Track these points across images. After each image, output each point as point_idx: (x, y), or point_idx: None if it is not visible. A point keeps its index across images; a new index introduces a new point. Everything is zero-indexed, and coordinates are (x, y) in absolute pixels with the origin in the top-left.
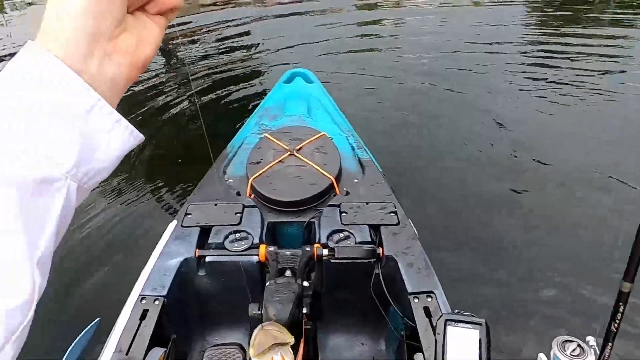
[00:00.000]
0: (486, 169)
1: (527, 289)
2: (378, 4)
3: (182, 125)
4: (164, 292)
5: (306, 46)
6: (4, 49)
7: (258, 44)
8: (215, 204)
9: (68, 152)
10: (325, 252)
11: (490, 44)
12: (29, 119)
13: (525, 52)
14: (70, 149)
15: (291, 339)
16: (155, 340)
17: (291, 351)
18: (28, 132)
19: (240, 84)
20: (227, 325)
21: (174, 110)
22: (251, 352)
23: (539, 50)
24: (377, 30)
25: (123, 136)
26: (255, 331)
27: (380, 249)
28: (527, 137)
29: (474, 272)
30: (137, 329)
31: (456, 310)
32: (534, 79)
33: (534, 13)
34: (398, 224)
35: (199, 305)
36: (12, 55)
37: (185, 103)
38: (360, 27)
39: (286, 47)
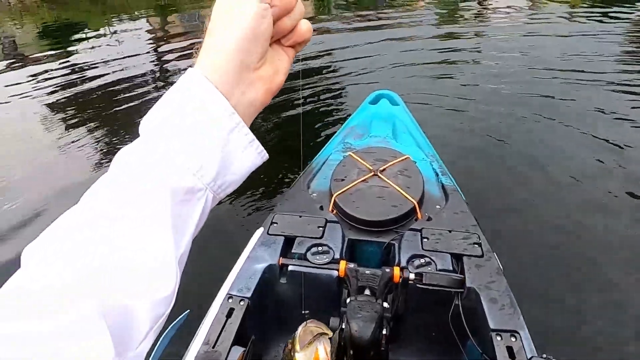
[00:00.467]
0: (590, 208)
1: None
2: (459, 25)
3: (277, 136)
4: (249, 294)
5: (388, 68)
6: (114, 60)
7: (340, 65)
8: (300, 216)
9: (210, 167)
10: (412, 276)
11: (583, 62)
12: (185, 136)
13: (626, 73)
14: (213, 164)
15: (330, 332)
16: (237, 339)
17: (329, 342)
18: (183, 147)
19: (326, 102)
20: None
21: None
22: (297, 347)
23: None
24: (459, 52)
25: (254, 155)
26: (299, 329)
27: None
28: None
29: (567, 316)
30: (224, 326)
31: (544, 355)
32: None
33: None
34: (482, 256)
35: (277, 310)
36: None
37: (283, 117)
38: (441, 50)
39: (369, 69)
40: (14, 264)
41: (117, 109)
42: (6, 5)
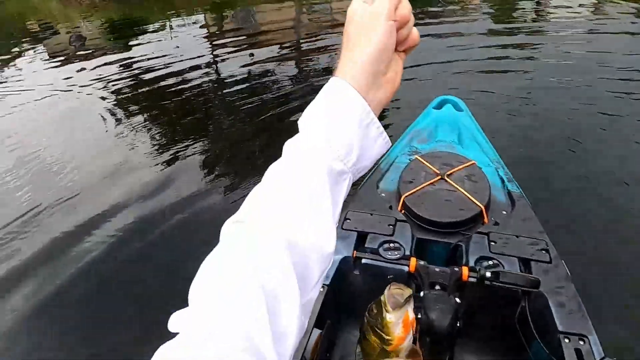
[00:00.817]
0: None
1: None
2: (516, 26)
3: None
4: (328, 282)
5: (444, 69)
6: (175, 58)
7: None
8: (371, 214)
9: (353, 154)
10: (488, 274)
11: None
12: (337, 129)
13: None
14: (355, 151)
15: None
16: (316, 322)
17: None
18: (336, 138)
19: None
20: None
21: None
22: (388, 307)
23: None
24: (517, 52)
25: (382, 144)
26: (385, 292)
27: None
28: None
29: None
30: None
31: (615, 359)
32: None
33: None
34: (550, 262)
35: (349, 299)
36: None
37: None
38: (498, 49)
39: (425, 71)
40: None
41: (171, 100)
42: (78, 2)
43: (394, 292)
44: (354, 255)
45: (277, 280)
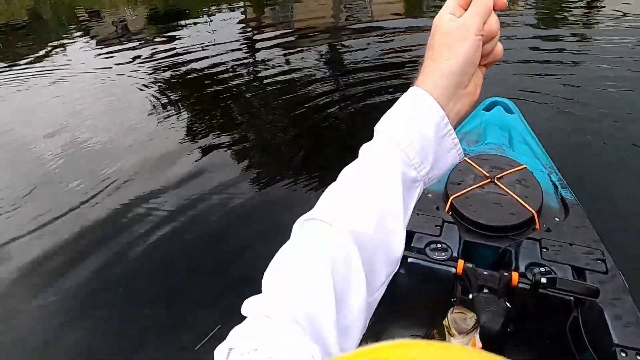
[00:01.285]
0: None
1: None
2: (567, 20)
3: None
4: None
5: (499, 73)
6: (214, 50)
7: None
8: (418, 213)
9: (427, 163)
10: (544, 280)
11: None
12: (414, 137)
13: None
14: (429, 161)
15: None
16: None
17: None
18: (412, 146)
19: None
20: (412, 320)
21: None
22: (453, 331)
23: None
24: (564, 53)
25: (455, 155)
26: (455, 315)
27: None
28: None
29: None
30: None
31: None
32: None
33: None
34: (606, 272)
35: (394, 298)
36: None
37: None
38: (544, 51)
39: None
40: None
41: (206, 92)
42: None
43: (457, 317)
44: None
45: (347, 276)
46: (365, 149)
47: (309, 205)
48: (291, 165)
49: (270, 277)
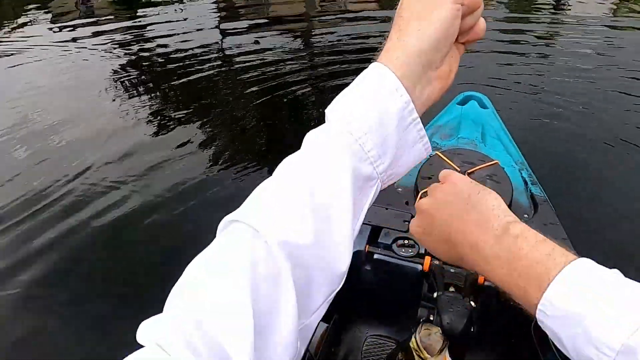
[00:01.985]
0: None
1: None
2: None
3: None
4: None
5: (472, 67)
6: (183, 31)
7: None
8: (386, 208)
9: (386, 158)
10: None
11: None
12: (370, 126)
13: None
14: (389, 155)
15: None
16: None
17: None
18: (368, 136)
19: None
20: (380, 319)
21: None
22: (425, 354)
23: None
24: (541, 47)
25: (421, 150)
26: (421, 333)
27: None
28: None
29: None
30: None
31: None
32: None
33: None
34: None
35: (359, 294)
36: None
37: None
38: (512, 45)
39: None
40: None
41: (172, 74)
42: None
43: (422, 336)
44: (367, 249)
45: (273, 298)
46: (310, 137)
47: None
48: (256, 150)
49: (175, 292)
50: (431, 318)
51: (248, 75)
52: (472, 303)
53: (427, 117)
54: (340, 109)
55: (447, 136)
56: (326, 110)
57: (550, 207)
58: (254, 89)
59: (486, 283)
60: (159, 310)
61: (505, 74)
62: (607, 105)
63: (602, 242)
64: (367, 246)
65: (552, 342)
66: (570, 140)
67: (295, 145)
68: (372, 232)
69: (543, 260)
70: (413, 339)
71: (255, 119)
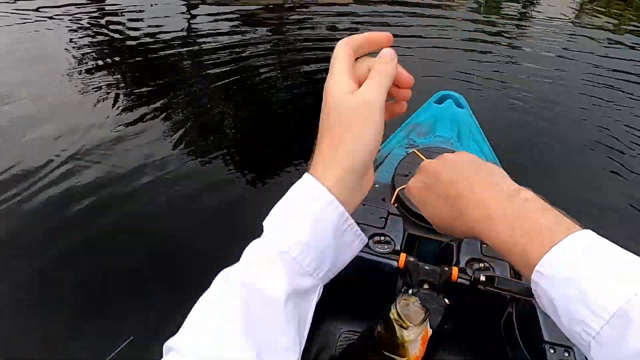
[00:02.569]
0: None
1: None
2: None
3: None
4: None
5: (446, 66)
6: (145, 11)
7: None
8: (364, 205)
9: (326, 265)
10: (482, 277)
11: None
12: (308, 239)
13: None
14: (327, 262)
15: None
16: None
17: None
18: (307, 251)
19: None
20: (355, 315)
21: None
22: (406, 322)
23: None
24: (498, 49)
25: (358, 246)
26: (400, 304)
27: None
28: None
29: None
30: None
31: None
32: None
33: None
34: None
35: (333, 289)
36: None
37: None
38: (479, 44)
39: (426, 65)
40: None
41: (135, 51)
42: None
43: (401, 307)
44: None
45: None
46: (249, 250)
47: (234, 186)
48: (222, 140)
49: None
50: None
51: (215, 57)
52: (446, 300)
53: (404, 114)
54: (277, 223)
55: (424, 134)
56: (264, 223)
57: None
58: (219, 70)
59: (459, 280)
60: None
61: (479, 73)
62: (575, 104)
63: None
64: None
65: (520, 339)
66: (542, 140)
67: (256, 125)
68: None
69: (549, 225)
70: (393, 309)
71: (218, 98)
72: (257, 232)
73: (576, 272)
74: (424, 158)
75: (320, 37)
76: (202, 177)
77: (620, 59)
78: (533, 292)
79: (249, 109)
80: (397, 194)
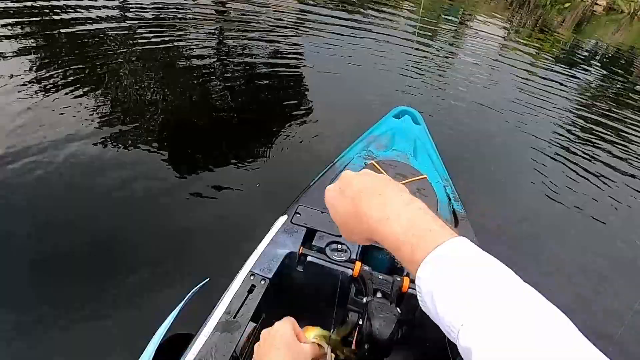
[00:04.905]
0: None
1: None
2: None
3: (302, 133)
4: (270, 275)
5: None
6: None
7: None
8: (322, 212)
9: None
10: None
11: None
12: None
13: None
14: None
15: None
16: (252, 315)
17: None
18: None
19: (345, 107)
20: (310, 320)
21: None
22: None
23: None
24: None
25: None
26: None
27: None
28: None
29: None
30: (244, 300)
31: None
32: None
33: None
34: None
35: (290, 295)
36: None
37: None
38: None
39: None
40: None
41: (59, 23)
42: None
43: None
44: (300, 251)
45: None
46: None
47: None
48: (146, 113)
49: None
50: (360, 322)
51: (152, 39)
52: (398, 309)
53: (363, 125)
54: None
55: (383, 147)
56: None
57: (469, 224)
58: (157, 54)
59: (409, 291)
60: None
61: (437, 91)
62: (525, 118)
63: (510, 260)
64: (301, 248)
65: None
66: (492, 156)
67: (187, 108)
68: (307, 234)
69: (436, 229)
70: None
71: (148, 81)
72: (185, 216)
73: (446, 274)
74: (381, 170)
75: (265, 29)
76: (127, 161)
77: (542, 77)
78: (416, 286)
79: (178, 90)
80: None
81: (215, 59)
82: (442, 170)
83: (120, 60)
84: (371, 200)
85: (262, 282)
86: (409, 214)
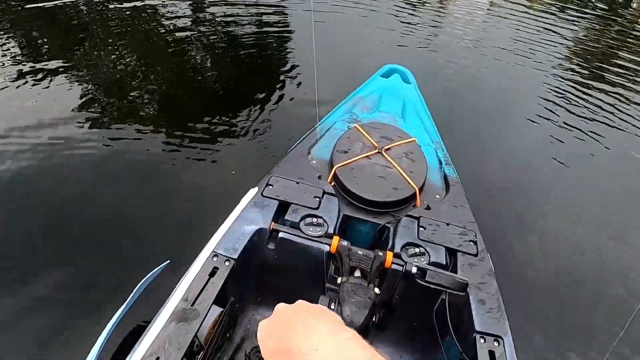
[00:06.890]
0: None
1: None
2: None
3: (284, 94)
4: (235, 255)
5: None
6: None
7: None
8: (297, 182)
9: None
10: (414, 269)
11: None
12: None
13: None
14: None
15: None
16: (216, 299)
17: None
18: None
19: (334, 66)
20: (282, 301)
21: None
22: None
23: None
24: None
25: None
26: None
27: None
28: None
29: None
30: (205, 284)
31: None
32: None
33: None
34: (476, 255)
35: (260, 275)
36: None
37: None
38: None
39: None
40: None
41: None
42: None
43: None
44: (271, 227)
45: None
46: None
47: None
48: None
49: None
50: (332, 307)
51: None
52: (377, 289)
53: (349, 86)
54: None
55: (368, 108)
56: None
57: (461, 189)
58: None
59: (393, 267)
60: None
61: (427, 49)
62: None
63: (501, 227)
64: (273, 223)
65: (451, 328)
66: (490, 116)
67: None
68: (280, 207)
69: (366, 358)
70: None
71: (125, 51)
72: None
73: None
74: (365, 135)
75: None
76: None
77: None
78: None
79: (164, 74)
80: (335, 172)
81: (196, 26)
82: (434, 132)
83: (96, 30)
84: (299, 330)
85: (227, 263)
86: (336, 344)
